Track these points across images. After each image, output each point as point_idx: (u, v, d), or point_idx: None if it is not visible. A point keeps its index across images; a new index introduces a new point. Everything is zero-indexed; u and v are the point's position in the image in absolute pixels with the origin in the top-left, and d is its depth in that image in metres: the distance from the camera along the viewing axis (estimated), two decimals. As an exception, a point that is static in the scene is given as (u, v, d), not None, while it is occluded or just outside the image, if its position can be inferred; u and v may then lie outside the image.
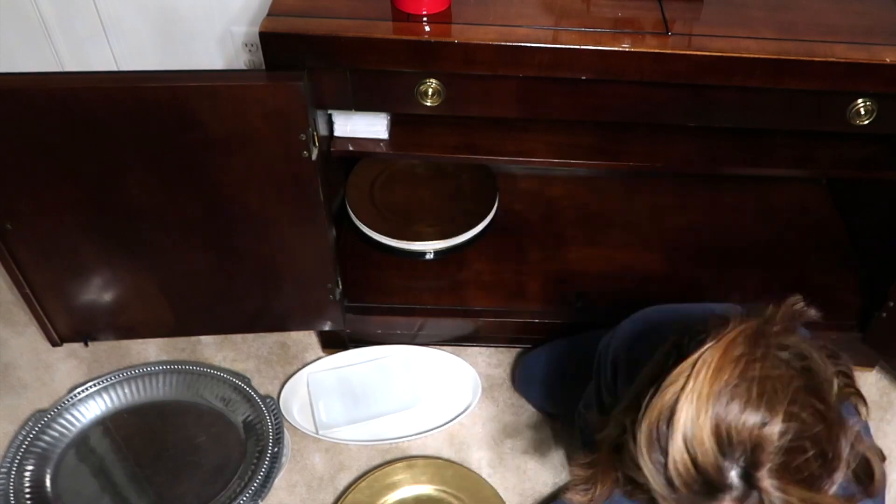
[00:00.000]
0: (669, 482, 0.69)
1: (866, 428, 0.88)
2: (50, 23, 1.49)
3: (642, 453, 0.70)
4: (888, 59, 1.05)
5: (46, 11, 1.47)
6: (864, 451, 0.76)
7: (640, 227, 1.70)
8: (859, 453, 0.75)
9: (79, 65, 1.56)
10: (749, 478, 0.67)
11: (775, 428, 0.67)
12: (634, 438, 0.71)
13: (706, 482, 0.68)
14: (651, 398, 0.71)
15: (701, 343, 0.70)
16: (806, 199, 1.76)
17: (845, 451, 0.71)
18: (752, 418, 0.67)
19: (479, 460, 1.45)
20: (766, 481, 0.67)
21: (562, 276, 1.59)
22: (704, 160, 1.33)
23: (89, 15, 1.48)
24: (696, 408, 0.67)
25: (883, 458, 0.82)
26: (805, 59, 1.05)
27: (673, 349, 0.75)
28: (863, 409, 0.86)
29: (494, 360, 1.60)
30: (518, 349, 1.61)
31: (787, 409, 0.67)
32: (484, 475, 1.43)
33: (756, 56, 1.05)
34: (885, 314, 1.41)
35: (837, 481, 0.70)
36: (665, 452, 0.69)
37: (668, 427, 0.68)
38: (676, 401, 0.68)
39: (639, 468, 0.72)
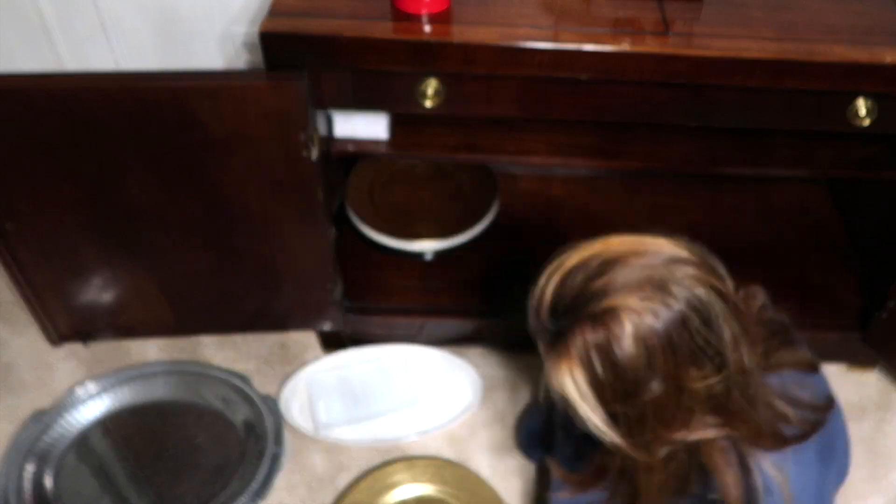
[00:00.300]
0: (532, 313, 0.82)
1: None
2: (50, 23, 1.49)
3: (532, 296, 0.83)
4: (888, 59, 1.05)
5: (46, 11, 1.47)
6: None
7: (640, 227, 1.70)
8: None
9: (79, 65, 1.56)
10: (562, 335, 0.78)
11: (615, 310, 0.75)
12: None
13: (538, 318, 0.82)
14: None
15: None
16: (806, 199, 1.76)
17: (647, 408, 0.78)
18: (601, 289, 0.76)
19: (479, 460, 1.45)
20: (570, 349, 0.76)
21: (562, 276, 1.59)
22: (704, 160, 1.33)
23: (89, 15, 1.48)
24: (576, 258, 0.82)
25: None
26: (805, 59, 1.05)
27: None
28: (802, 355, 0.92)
29: (494, 361, 1.60)
30: (518, 349, 1.61)
31: (636, 318, 0.75)
32: (484, 476, 1.43)
33: (756, 56, 1.05)
34: (885, 314, 1.41)
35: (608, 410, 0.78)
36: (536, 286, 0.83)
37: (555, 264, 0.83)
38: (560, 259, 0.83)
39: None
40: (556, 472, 0.96)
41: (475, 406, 1.51)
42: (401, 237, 1.56)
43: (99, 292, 1.36)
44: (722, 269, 0.81)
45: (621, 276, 0.77)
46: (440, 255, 1.60)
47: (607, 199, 1.76)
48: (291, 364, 1.58)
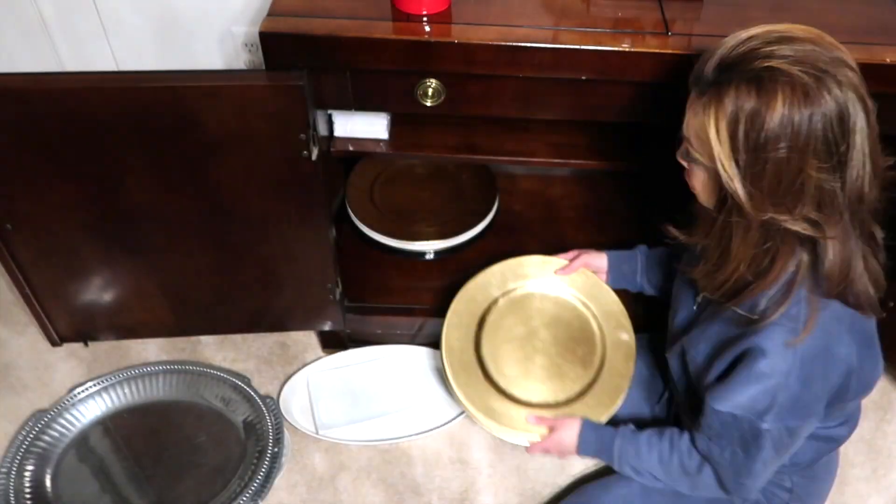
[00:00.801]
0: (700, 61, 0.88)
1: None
2: (50, 23, 1.49)
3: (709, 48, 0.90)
4: (888, 59, 1.05)
5: (46, 11, 1.47)
6: None
7: (640, 227, 1.70)
8: None
9: (79, 65, 1.56)
10: (719, 82, 0.85)
11: (765, 71, 0.83)
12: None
13: (700, 70, 0.88)
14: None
15: None
16: (806, 199, 1.75)
17: (773, 172, 0.85)
18: (764, 53, 0.84)
19: (479, 460, 1.45)
20: (727, 98, 0.84)
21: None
22: (704, 160, 1.32)
23: (89, 15, 1.48)
24: (754, 30, 0.87)
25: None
26: (805, 59, 1.05)
27: None
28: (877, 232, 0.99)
29: (494, 360, 1.60)
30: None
31: (786, 86, 0.82)
32: (484, 475, 1.43)
33: (756, 56, 1.05)
34: (885, 314, 1.41)
35: (741, 167, 0.86)
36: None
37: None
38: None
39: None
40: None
41: (475, 406, 1.51)
42: (401, 237, 1.56)
43: (99, 292, 1.36)
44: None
45: (793, 49, 0.83)
46: (440, 255, 1.60)
47: (607, 199, 1.76)
48: (291, 364, 1.58)
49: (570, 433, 1.19)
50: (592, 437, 1.18)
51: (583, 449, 1.18)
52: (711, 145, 0.86)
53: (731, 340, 0.99)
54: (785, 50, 0.83)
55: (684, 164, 0.96)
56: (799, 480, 1.15)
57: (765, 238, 0.90)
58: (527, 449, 1.23)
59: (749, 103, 0.82)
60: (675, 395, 1.24)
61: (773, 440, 0.98)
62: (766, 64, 0.82)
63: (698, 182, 0.95)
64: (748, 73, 0.83)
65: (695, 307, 1.12)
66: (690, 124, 0.90)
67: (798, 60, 0.82)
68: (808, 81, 0.81)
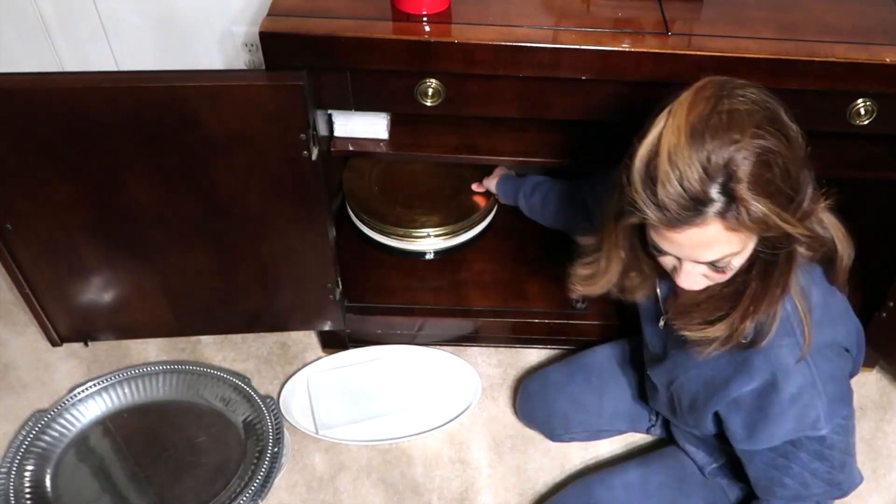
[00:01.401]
0: (661, 207, 0.80)
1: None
2: (50, 23, 1.49)
3: (637, 189, 0.82)
4: (888, 59, 1.05)
5: (46, 11, 1.47)
6: (830, 228, 0.91)
7: (640, 227, 1.70)
8: (819, 218, 0.89)
9: (79, 65, 1.56)
10: (729, 191, 0.78)
11: (747, 146, 0.78)
12: (629, 180, 0.83)
13: (693, 200, 0.79)
14: (639, 143, 0.83)
15: (676, 95, 0.83)
16: (806, 199, 1.75)
17: (806, 178, 0.84)
18: (727, 143, 0.78)
19: (479, 460, 1.45)
20: (744, 192, 0.78)
21: (562, 276, 1.59)
22: (704, 160, 1.32)
23: (89, 15, 1.48)
24: (677, 138, 0.78)
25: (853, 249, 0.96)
26: (805, 59, 1.05)
27: (657, 109, 0.85)
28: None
29: (494, 360, 1.60)
30: (518, 349, 1.61)
31: (755, 131, 0.79)
32: (484, 475, 1.43)
33: (756, 56, 1.05)
34: (885, 314, 1.41)
35: (803, 202, 0.83)
36: (654, 181, 0.80)
37: (656, 159, 0.80)
38: (659, 137, 0.80)
39: (634, 208, 0.83)
40: None
41: (475, 406, 1.51)
42: (401, 237, 1.56)
43: (99, 292, 1.36)
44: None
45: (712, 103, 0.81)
46: (440, 255, 1.60)
47: (607, 199, 1.76)
48: (291, 364, 1.58)
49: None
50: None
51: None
52: (773, 223, 0.81)
53: (726, 380, 0.99)
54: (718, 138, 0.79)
55: (707, 280, 0.91)
56: None
57: (774, 265, 0.88)
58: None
59: (761, 167, 0.79)
60: (661, 412, 1.26)
61: (838, 433, 0.99)
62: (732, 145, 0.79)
63: (729, 273, 0.89)
64: (746, 179, 0.79)
65: (661, 326, 1.11)
66: (718, 245, 0.84)
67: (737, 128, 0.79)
68: (755, 108, 0.81)
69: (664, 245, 0.87)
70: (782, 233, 0.82)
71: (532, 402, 1.43)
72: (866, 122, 1.13)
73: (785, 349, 0.93)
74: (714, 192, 0.78)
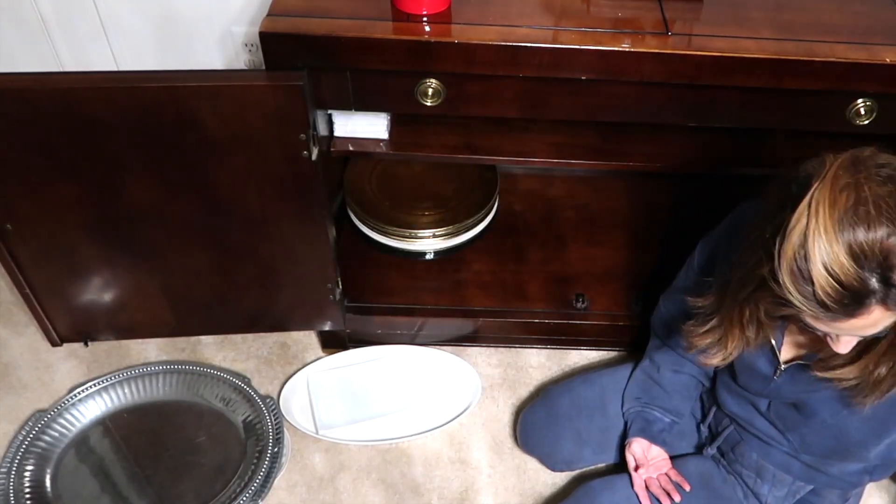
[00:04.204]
0: (822, 305, 0.79)
1: None
2: (50, 23, 1.49)
3: (789, 290, 0.81)
4: (888, 59, 1.05)
5: (46, 11, 1.47)
6: None
7: (640, 227, 1.70)
8: None
9: (79, 65, 1.56)
10: (887, 280, 0.78)
11: (893, 232, 0.76)
12: (777, 281, 0.81)
13: (853, 294, 0.78)
14: (781, 245, 0.80)
15: (808, 185, 0.80)
16: (806, 199, 1.76)
17: None
18: (878, 231, 0.77)
19: (479, 460, 1.45)
20: None
21: (562, 276, 1.59)
22: (704, 160, 1.33)
23: (89, 15, 1.48)
24: (827, 238, 0.77)
25: None
26: (805, 59, 1.05)
27: (786, 199, 0.83)
28: None
29: (494, 360, 1.60)
30: (518, 349, 1.61)
31: None
32: (484, 475, 1.43)
33: (756, 56, 1.05)
34: None
35: None
36: (811, 282, 0.79)
37: (806, 262, 0.78)
38: (805, 238, 0.78)
39: (787, 304, 0.82)
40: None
41: (475, 406, 1.51)
42: (401, 237, 1.56)
43: (99, 292, 1.36)
44: None
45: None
46: (440, 255, 1.60)
47: (607, 199, 1.76)
48: (291, 364, 1.58)
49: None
50: None
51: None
52: None
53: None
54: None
55: (851, 344, 0.89)
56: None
57: None
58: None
59: None
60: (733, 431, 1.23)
61: None
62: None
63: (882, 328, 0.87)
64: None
65: (776, 377, 1.08)
66: (882, 323, 0.83)
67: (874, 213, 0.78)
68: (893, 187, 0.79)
69: (822, 328, 0.85)
70: None
71: (533, 435, 1.40)
72: (866, 122, 1.13)
73: None
74: (873, 283, 0.78)
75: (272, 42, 1.06)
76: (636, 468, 1.25)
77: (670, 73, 1.07)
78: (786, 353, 1.04)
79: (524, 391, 1.55)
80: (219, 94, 1.06)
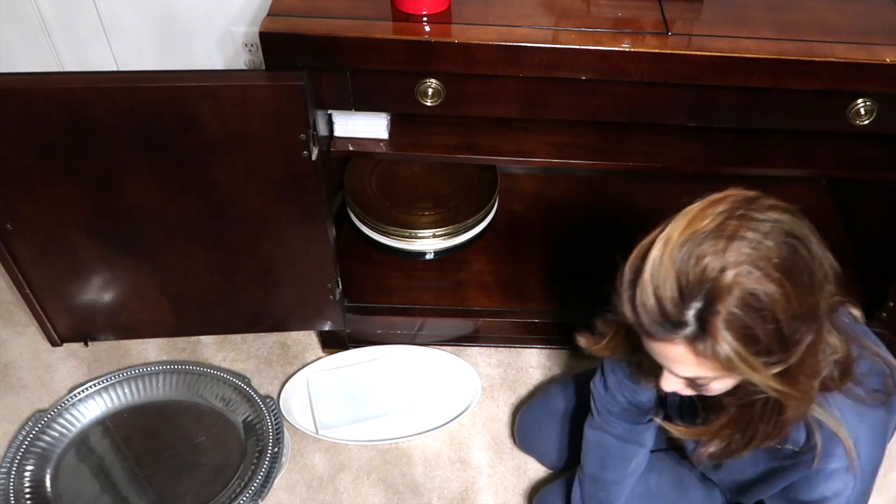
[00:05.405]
0: (635, 313, 0.76)
1: (871, 336, 0.92)
2: (50, 23, 1.49)
3: (621, 288, 0.78)
4: (888, 59, 1.05)
5: (46, 11, 1.47)
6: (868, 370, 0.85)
7: (640, 227, 1.70)
8: (849, 367, 0.82)
9: (79, 65, 1.56)
10: (704, 322, 0.73)
11: (738, 281, 0.71)
12: (618, 276, 0.79)
13: (665, 317, 0.74)
14: (638, 242, 0.79)
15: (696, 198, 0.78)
16: (806, 199, 1.76)
17: (805, 334, 0.75)
18: (713, 265, 0.72)
19: (479, 460, 1.45)
20: (719, 328, 0.72)
21: (562, 276, 1.59)
22: (704, 160, 1.33)
23: (89, 15, 1.48)
24: (665, 249, 0.74)
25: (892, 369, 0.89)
26: (805, 59, 1.05)
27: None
28: (856, 313, 0.92)
29: (494, 360, 1.60)
30: (518, 349, 1.61)
31: (754, 268, 0.71)
32: (484, 475, 1.43)
33: (756, 56, 1.05)
34: (884, 314, 1.41)
35: (778, 368, 0.75)
36: (634, 286, 0.76)
37: (642, 264, 0.75)
38: (652, 242, 0.76)
39: (616, 304, 0.79)
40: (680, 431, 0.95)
41: (475, 406, 1.51)
42: (401, 237, 1.56)
43: (99, 292, 1.36)
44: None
45: (724, 244, 0.73)
46: (440, 255, 1.60)
47: (607, 199, 1.76)
48: (291, 364, 1.58)
49: None
50: None
51: None
52: (742, 372, 0.76)
53: (778, 471, 0.96)
54: (721, 252, 0.72)
55: (692, 391, 0.86)
56: None
57: (754, 405, 0.85)
58: None
59: (742, 310, 0.72)
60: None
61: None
62: (722, 282, 0.72)
63: (710, 393, 0.85)
64: (724, 316, 0.72)
65: (658, 420, 1.07)
66: (690, 366, 0.78)
67: (731, 254, 0.72)
68: (769, 242, 0.73)
69: (645, 345, 0.82)
70: (749, 380, 0.77)
71: (530, 434, 1.41)
72: (866, 122, 1.13)
73: (836, 458, 0.88)
74: (688, 315, 0.73)
75: (272, 42, 1.06)
76: None
77: (670, 73, 1.07)
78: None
79: (524, 391, 1.55)
80: (219, 94, 1.06)
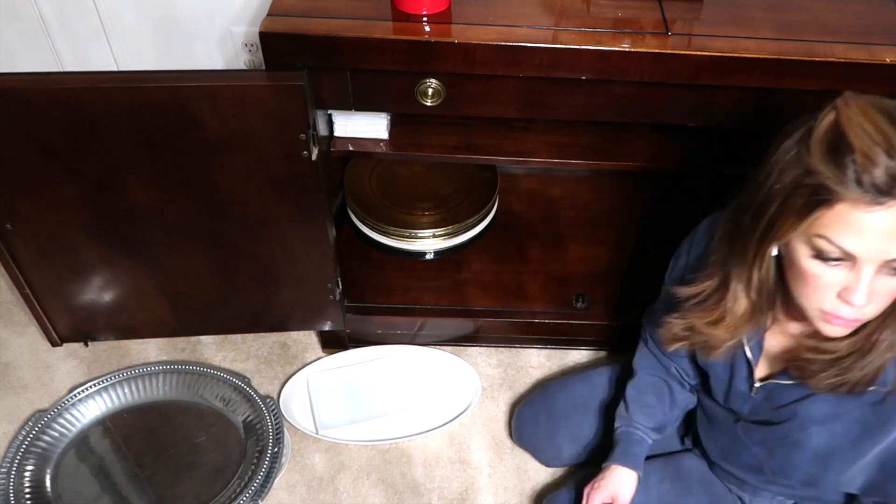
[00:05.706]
0: (863, 183, 0.73)
1: None
2: (50, 23, 1.49)
3: (827, 175, 0.74)
4: (888, 59, 1.05)
5: (46, 11, 1.47)
6: None
7: (640, 227, 1.70)
8: None
9: (79, 65, 1.56)
10: None
11: None
12: (810, 170, 0.76)
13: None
14: (810, 137, 0.76)
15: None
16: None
17: None
18: None
19: (479, 460, 1.45)
20: None
21: (562, 276, 1.59)
22: (704, 160, 1.33)
23: (89, 15, 1.48)
24: (862, 112, 0.74)
25: None
26: (805, 59, 1.05)
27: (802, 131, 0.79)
28: None
29: (494, 360, 1.60)
30: (518, 349, 1.61)
31: None
32: (484, 475, 1.43)
33: (756, 56, 1.05)
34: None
35: None
36: (849, 150, 0.73)
37: (847, 138, 0.74)
38: (839, 119, 0.75)
39: (825, 192, 0.75)
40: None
41: (475, 406, 1.51)
42: (401, 237, 1.56)
43: (99, 292, 1.36)
44: None
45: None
46: (440, 255, 1.60)
47: (607, 199, 1.76)
48: (291, 364, 1.58)
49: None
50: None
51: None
52: None
53: (873, 429, 0.93)
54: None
55: (873, 307, 0.82)
56: None
57: None
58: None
59: None
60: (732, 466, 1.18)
61: None
62: None
63: None
64: None
65: (752, 394, 1.04)
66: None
67: None
68: None
69: (850, 241, 0.76)
70: None
71: (528, 430, 1.41)
72: (866, 122, 1.13)
73: None
74: None
75: (272, 42, 1.06)
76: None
77: (670, 73, 1.07)
78: (762, 369, 1.02)
79: (524, 391, 1.55)
80: (219, 94, 1.06)
